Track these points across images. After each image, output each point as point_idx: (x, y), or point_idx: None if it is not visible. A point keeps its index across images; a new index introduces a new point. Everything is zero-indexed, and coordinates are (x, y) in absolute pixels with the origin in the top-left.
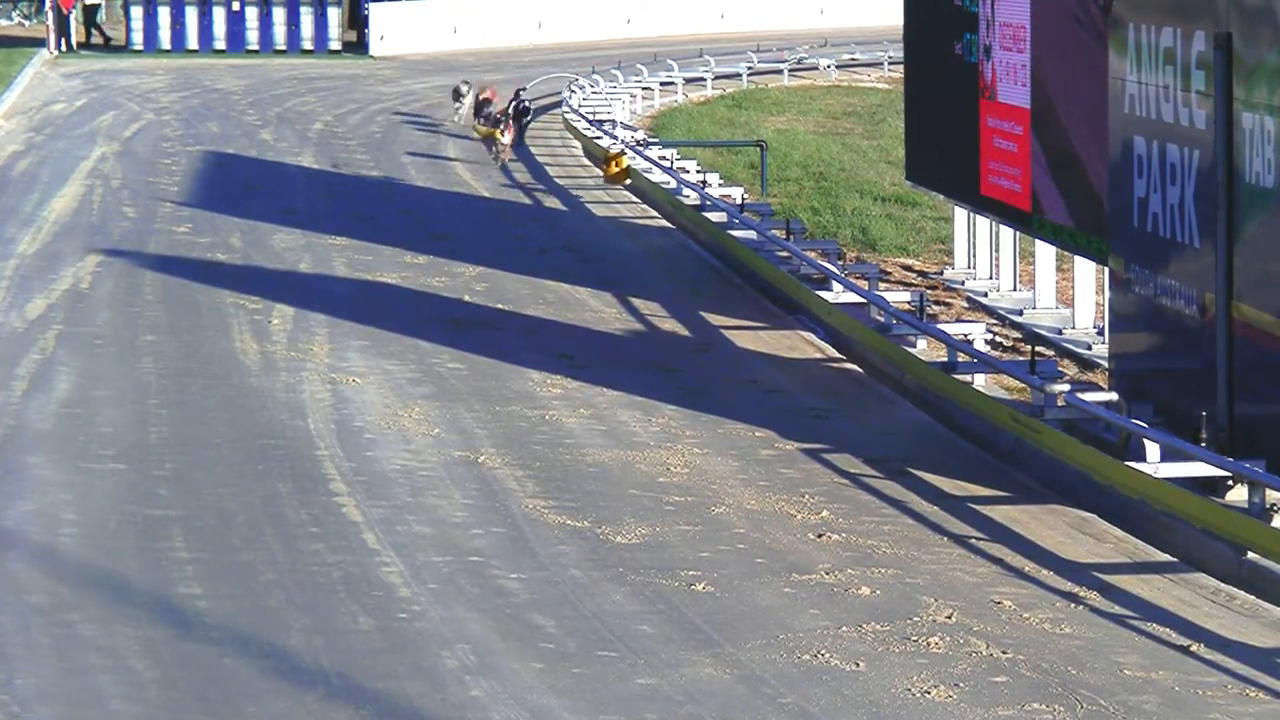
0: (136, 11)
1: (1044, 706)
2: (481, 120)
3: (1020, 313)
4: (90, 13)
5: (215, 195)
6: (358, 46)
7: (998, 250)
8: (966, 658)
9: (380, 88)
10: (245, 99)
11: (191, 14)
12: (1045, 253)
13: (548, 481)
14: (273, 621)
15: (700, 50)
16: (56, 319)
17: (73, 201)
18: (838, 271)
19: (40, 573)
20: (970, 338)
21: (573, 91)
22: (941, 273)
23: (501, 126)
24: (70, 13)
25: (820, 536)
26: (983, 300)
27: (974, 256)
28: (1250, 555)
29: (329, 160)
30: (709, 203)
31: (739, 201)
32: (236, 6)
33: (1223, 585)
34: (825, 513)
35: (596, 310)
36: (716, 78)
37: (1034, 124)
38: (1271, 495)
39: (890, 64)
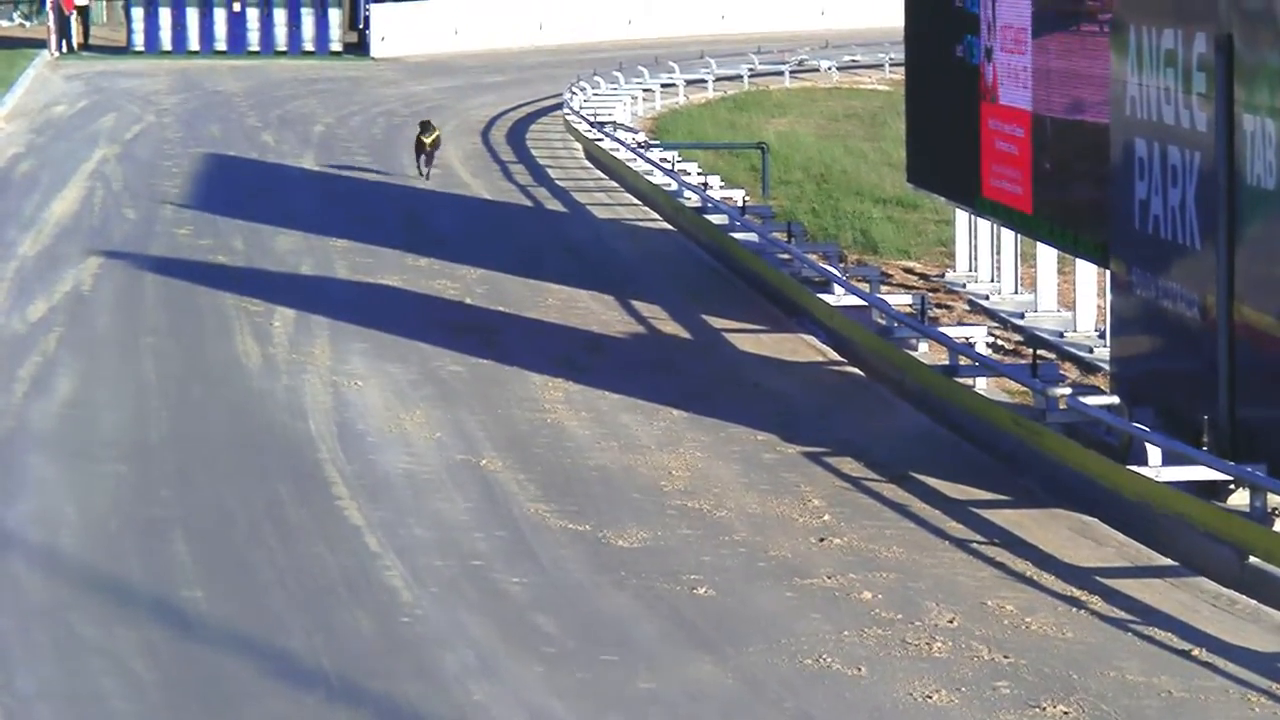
0: (137, 13)
1: (1045, 711)
2: None
3: (1022, 316)
4: (84, 12)
5: (217, 197)
6: (359, 48)
7: (999, 253)
8: (968, 662)
9: (381, 90)
10: (246, 101)
11: (193, 15)
12: (1046, 256)
13: (549, 485)
14: (273, 623)
15: (701, 52)
16: (58, 321)
17: (74, 204)
18: (839, 274)
19: (40, 573)
20: (972, 341)
21: (574, 94)
22: (943, 275)
23: None
24: (71, 14)
25: (822, 540)
26: (984, 303)
27: (975, 259)
28: (1252, 559)
29: (330, 162)
30: (710, 205)
31: (740, 204)
32: (237, 8)
33: (1224, 589)
34: (827, 517)
35: (598, 313)
36: (717, 79)
37: (1034, 126)
38: (1273, 499)
39: (891, 66)
